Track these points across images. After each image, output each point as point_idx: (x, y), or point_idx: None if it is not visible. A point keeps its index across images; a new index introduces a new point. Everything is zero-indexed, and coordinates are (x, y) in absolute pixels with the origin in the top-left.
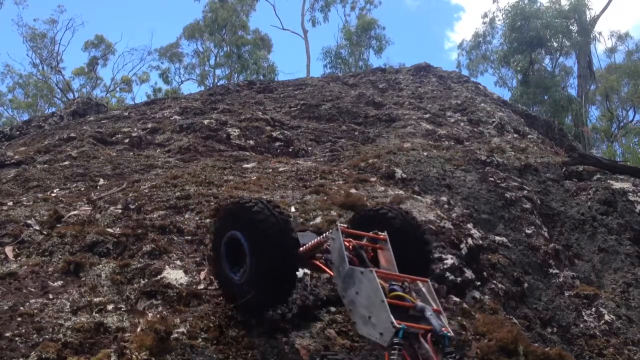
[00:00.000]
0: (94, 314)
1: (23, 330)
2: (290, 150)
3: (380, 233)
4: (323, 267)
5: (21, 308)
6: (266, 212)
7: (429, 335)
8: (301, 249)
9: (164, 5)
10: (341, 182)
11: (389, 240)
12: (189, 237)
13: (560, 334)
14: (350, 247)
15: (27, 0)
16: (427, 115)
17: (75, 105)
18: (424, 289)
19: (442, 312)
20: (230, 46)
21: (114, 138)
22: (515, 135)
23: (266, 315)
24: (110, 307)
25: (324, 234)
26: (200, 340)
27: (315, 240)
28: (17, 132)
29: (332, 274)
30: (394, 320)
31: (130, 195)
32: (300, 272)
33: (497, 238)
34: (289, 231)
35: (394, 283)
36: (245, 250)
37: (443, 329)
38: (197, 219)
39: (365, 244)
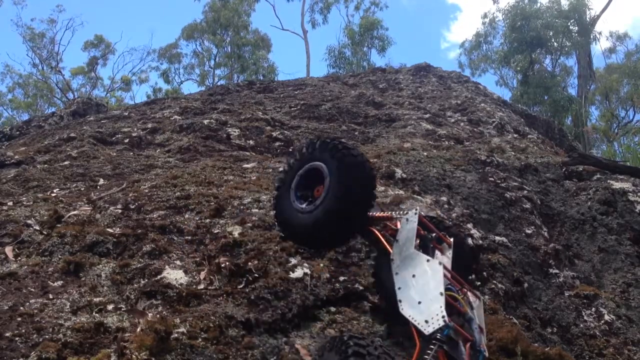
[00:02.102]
0: (94, 314)
1: (23, 330)
2: (291, 150)
3: (448, 237)
4: (381, 238)
5: (21, 308)
6: (360, 155)
7: (468, 344)
8: (370, 213)
9: (164, 5)
10: None
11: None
12: (189, 237)
13: (560, 334)
14: (420, 234)
15: (25, 0)
16: (427, 115)
17: (75, 105)
18: (475, 304)
19: (484, 332)
20: (231, 46)
21: (114, 138)
22: (515, 135)
23: (268, 313)
24: (110, 307)
25: (399, 212)
26: (200, 340)
27: (388, 212)
28: (17, 132)
29: (389, 249)
30: (446, 315)
31: (130, 195)
32: (300, 273)
33: (497, 238)
34: (373, 180)
35: (450, 285)
36: (325, 180)
37: (481, 345)
38: (197, 219)
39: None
